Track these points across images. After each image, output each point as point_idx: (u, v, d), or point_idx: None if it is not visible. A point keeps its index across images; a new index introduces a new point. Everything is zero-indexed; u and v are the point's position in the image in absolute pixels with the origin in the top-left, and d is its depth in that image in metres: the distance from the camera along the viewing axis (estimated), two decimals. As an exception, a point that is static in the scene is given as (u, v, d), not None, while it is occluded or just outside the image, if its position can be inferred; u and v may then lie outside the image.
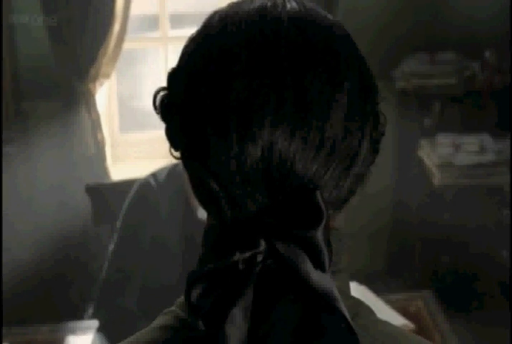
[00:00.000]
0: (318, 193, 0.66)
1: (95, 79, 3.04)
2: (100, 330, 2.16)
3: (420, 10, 3.25)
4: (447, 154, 3.14)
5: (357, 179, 0.71)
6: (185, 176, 2.12)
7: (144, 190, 2.21)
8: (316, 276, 0.65)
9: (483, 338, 2.95)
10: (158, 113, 0.76)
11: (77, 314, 2.62)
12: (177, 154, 0.76)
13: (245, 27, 0.70)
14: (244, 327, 0.65)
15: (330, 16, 0.73)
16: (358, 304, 0.75)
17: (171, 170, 2.23)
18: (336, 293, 0.65)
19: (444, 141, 3.18)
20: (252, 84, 0.67)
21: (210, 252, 0.69)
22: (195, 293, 0.67)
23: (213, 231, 0.71)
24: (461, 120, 3.25)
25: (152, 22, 3.50)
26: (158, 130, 3.58)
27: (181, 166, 2.31)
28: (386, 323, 0.76)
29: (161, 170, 2.26)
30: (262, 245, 0.65)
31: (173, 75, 0.75)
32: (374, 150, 0.72)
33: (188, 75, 0.72)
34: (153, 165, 3.13)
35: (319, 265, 0.65)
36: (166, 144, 2.64)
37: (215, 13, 0.75)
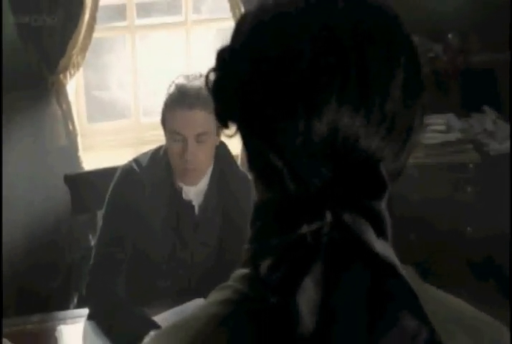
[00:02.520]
0: (381, 165, 0.70)
1: (65, 69, 3.03)
2: (91, 317, 2.18)
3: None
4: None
5: (410, 152, 0.76)
6: (169, 159, 2.15)
7: (128, 175, 2.24)
8: (379, 245, 0.69)
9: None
10: (210, 93, 0.78)
11: (63, 305, 2.64)
12: (229, 132, 0.78)
13: (304, 8, 0.72)
14: (316, 297, 0.67)
15: None
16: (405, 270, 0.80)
17: (153, 155, 2.27)
18: (397, 260, 0.70)
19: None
20: (317, 63, 0.69)
21: (271, 226, 0.72)
22: (264, 266, 0.70)
23: (272, 206, 0.73)
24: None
25: (118, 11, 3.49)
26: (124, 119, 3.60)
27: (162, 151, 2.34)
28: (429, 287, 0.81)
29: (143, 155, 2.29)
30: (329, 217, 0.69)
31: (229, 56, 0.76)
32: (421, 123, 0.77)
33: (250, 56, 0.73)
34: (121, 154, 3.15)
35: (382, 234, 0.69)
36: (133, 133, 2.66)
37: None
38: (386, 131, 0.72)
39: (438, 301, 0.78)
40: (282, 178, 0.72)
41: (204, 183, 2.26)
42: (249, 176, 2.48)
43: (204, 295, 2.25)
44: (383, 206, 0.69)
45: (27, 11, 2.86)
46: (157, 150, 2.29)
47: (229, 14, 3.32)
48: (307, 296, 0.68)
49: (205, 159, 2.18)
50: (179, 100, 2.09)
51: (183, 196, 2.27)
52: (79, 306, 2.48)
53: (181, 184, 2.25)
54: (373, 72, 0.70)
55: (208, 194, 2.29)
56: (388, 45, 0.72)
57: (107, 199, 2.26)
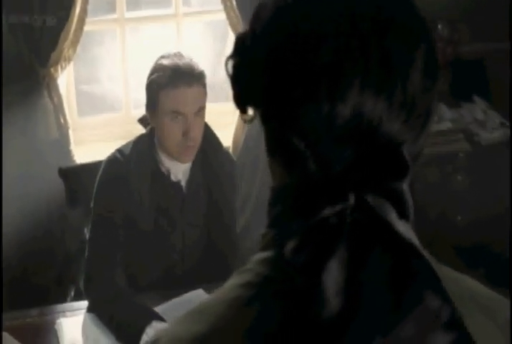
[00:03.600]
0: (404, 147, 0.71)
1: (56, 63, 3.02)
2: (91, 308, 2.19)
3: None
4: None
5: (426, 137, 0.77)
6: (164, 140, 2.17)
7: (112, 165, 2.26)
8: (401, 226, 0.71)
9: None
10: (230, 79, 0.79)
11: (60, 298, 2.64)
12: (248, 117, 0.80)
13: None
14: (341, 278, 0.69)
15: None
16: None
17: (135, 143, 2.29)
18: (418, 241, 0.72)
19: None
20: (340, 47, 0.70)
21: (292, 209, 0.74)
22: (288, 248, 0.72)
23: (293, 190, 0.75)
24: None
25: (108, 4, 3.48)
26: (115, 112, 3.59)
27: (143, 138, 2.34)
28: (444, 267, 0.83)
29: (125, 145, 2.31)
30: (352, 199, 0.71)
31: (250, 41, 0.77)
32: (436, 109, 0.78)
33: (273, 40, 0.74)
34: (112, 147, 3.13)
35: (403, 215, 0.71)
36: (124, 126, 2.67)
37: None
38: (407, 114, 0.73)
39: (454, 281, 0.79)
40: (304, 161, 0.73)
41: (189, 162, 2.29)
42: (232, 156, 2.50)
43: (197, 282, 2.29)
44: (405, 187, 0.71)
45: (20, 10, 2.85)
46: (138, 138, 2.31)
47: (219, 7, 3.33)
48: (333, 277, 0.69)
49: (201, 135, 2.21)
50: (176, 79, 2.10)
51: (172, 178, 2.28)
52: (76, 299, 2.48)
53: (167, 166, 2.27)
54: (394, 56, 0.71)
55: (193, 172, 2.32)
56: (408, 31, 0.74)
57: (94, 194, 2.27)
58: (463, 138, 3.21)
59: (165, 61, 2.14)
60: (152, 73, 2.15)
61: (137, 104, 3.55)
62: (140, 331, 1.98)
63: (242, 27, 3.22)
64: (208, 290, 2.23)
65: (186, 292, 2.24)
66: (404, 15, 0.74)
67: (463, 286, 0.82)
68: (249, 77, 0.77)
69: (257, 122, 2.91)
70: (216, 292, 0.81)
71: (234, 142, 3.47)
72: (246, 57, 0.77)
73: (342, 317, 0.68)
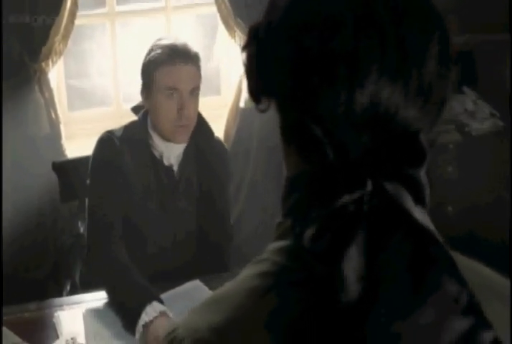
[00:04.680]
0: (421, 135, 0.72)
1: (47, 57, 3.01)
2: (96, 284, 2.20)
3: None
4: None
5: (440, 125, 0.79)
6: (157, 119, 2.19)
7: (105, 143, 2.28)
8: (418, 212, 0.72)
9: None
10: (246, 68, 0.80)
11: (55, 293, 2.64)
12: (263, 107, 0.80)
13: None
14: (360, 264, 0.69)
15: None
16: None
17: (126, 127, 2.32)
18: (434, 227, 0.73)
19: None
20: (358, 34, 0.71)
21: (309, 197, 0.74)
22: (307, 236, 0.72)
23: (310, 178, 0.75)
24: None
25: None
26: (105, 106, 3.58)
27: (135, 123, 2.35)
28: (458, 254, 0.84)
29: (117, 128, 2.34)
30: (369, 185, 0.71)
31: (266, 30, 0.78)
32: (449, 98, 0.79)
33: (290, 29, 0.75)
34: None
35: (420, 201, 0.72)
36: (114, 120, 2.66)
37: None
38: (423, 102, 0.74)
39: (468, 268, 0.80)
40: (322, 149, 0.73)
41: (182, 146, 2.30)
42: (225, 145, 2.50)
43: (190, 271, 2.28)
44: (422, 174, 0.72)
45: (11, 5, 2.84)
46: (130, 123, 2.34)
47: (209, 0, 3.33)
48: (352, 263, 0.69)
49: (195, 115, 2.24)
50: (173, 56, 2.15)
51: (165, 161, 2.29)
52: (72, 293, 2.48)
53: (160, 150, 2.28)
54: (410, 43, 0.73)
55: (185, 157, 2.33)
56: (424, 18, 0.75)
57: (89, 172, 2.30)
58: (454, 129, 3.23)
59: (162, 42, 2.20)
60: (149, 53, 2.21)
61: (127, 98, 3.54)
62: (140, 309, 1.98)
63: (232, 20, 3.22)
64: (205, 282, 2.24)
65: (181, 283, 2.25)
66: (420, 6, 0.75)
67: (478, 273, 0.83)
68: (266, 67, 0.77)
69: (248, 115, 2.94)
70: (231, 281, 0.81)
71: (226, 135, 3.47)
72: (262, 47, 0.78)
73: (362, 303, 0.69)
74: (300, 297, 0.73)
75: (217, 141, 2.44)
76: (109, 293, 2.15)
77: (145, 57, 2.21)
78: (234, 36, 3.29)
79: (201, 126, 2.33)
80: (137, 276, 2.13)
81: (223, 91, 3.67)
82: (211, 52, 3.62)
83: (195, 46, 2.24)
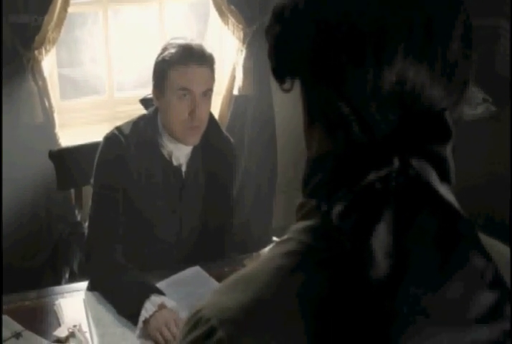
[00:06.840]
0: (447, 113, 0.74)
1: (40, 45, 2.99)
2: (92, 285, 2.20)
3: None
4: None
5: (463, 106, 0.80)
6: (168, 119, 2.16)
7: (112, 143, 2.25)
8: (443, 189, 0.73)
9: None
10: (271, 48, 0.81)
11: (53, 281, 2.64)
12: (287, 87, 0.81)
13: None
14: (389, 241, 0.70)
15: None
16: None
17: (135, 124, 2.28)
18: (458, 204, 0.74)
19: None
20: (385, 14, 0.72)
21: (336, 175, 0.75)
22: (335, 214, 0.73)
23: (334, 157, 0.76)
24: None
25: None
26: (98, 95, 3.57)
27: (144, 120, 2.33)
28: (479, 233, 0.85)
29: (125, 124, 2.30)
30: (396, 163, 0.72)
31: (292, 10, 0.78)
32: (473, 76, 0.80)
33: (317, 9, 0.76)
34: (96, 130, 3.13)
35: (445, 178, 0.73)
36: (107, 108, 2.66)
37: None
38: (448, 81, 0.75)
39: (489, 246, 0.82)
40: (349, 126, 0.74)
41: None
42: (231, 139, 2.50)
43: (195, 262, 2.30)
44: (448, 151, 0.73)
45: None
46: (139, 119, 2.30)
47: (201, -13, 3.32)
48: (381, 240, 0.70)
49: (207, 117, 2.22)
50: (188, 57, 2.12)
51: (174, 161, 2.29)
52: (71, 281, 2.49)
53: (170, 149, 2.27)
54: (435, 23, 0.74)
55: (193, 155, 2.32)
56: (448, 1, 0.76)
57: (94, 168, 2.27)
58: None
59: (177, 41, 2.16)
60: (163, 51, 2.17)
61: (120, 86, 3.54)
62: (140, 306, 2.00)
63: (226, 7, 3.22)
64: (205, 267, 2.26)
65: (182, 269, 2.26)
66: None
67: (498, 251, 0.84)
68: (292, 46, 0.78)
69: (241, 102, 2.92)
70: (257, 261, 0.82)
71: (219, 122, 3.46)
72: (288, 27, 0.79)
73: (391, 278, 0.70)
74: (327, 275, 0.74)
75: (225, 138, 2.42)
76: (106, 296, 2.15)
77: (159, 56, 2.18)
78: (228, 23, 3.29)
79: (211, 125, 2.31)
80: (133, 275, 2.14)
81: (216, 78, 3.65)
82: (203, 39, 3.62)
83: (188, 33, 2.22)
